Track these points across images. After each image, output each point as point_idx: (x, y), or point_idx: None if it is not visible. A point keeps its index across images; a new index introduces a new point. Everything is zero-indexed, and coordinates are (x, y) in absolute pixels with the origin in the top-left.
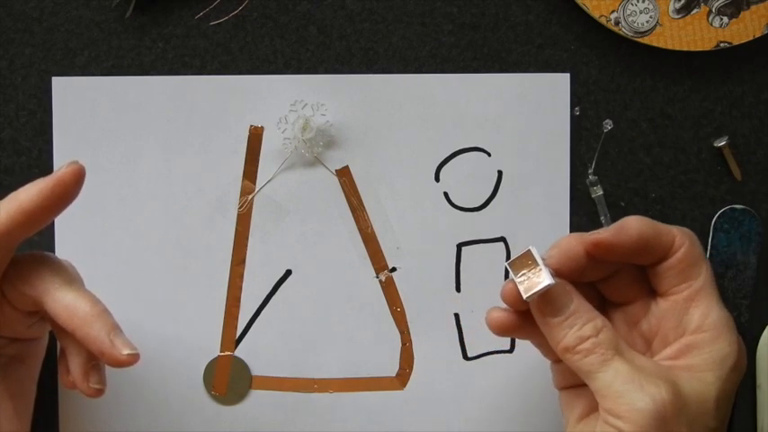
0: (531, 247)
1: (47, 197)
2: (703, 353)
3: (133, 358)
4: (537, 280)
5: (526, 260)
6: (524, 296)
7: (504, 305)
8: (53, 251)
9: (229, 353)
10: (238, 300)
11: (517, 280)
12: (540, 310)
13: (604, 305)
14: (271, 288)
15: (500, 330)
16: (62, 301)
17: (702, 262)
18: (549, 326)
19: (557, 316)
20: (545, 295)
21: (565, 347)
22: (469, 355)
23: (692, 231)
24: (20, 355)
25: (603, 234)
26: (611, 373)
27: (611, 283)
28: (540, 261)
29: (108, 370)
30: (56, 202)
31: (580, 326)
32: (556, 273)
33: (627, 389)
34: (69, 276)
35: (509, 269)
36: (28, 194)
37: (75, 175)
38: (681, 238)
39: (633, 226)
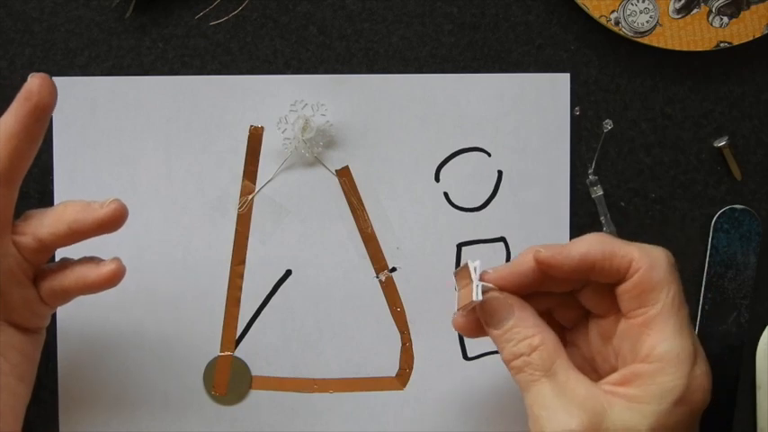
0: (468, 262)
1: (24, 115)
2: (644, 383)
3: (117, 207)
4: (470, 294)
5: (467, 272)
6: (456, 308)
7: None
8: None
9: (229, 353)
10: (238, 300)
11: (457, 291)
12: (483, 320)
13: (588, 315)
14: (271, 288)
15: (463, 332)
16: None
17: (662, 288)
18: (492, 336)
19: (496, 329)
20: (485, 307)
21: (504, 359)
22: (469, 355)
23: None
24: (4, 347)
25: (544, 253)
26: (533, 396)
27: (584, 295)
28: (474, 277)
29: (108, 371)
30: (34, 114)
31: (516, 342)
32: (503, 287)
33: (541, 414)
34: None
35: (453, 279)
36: (5, 123)
37: (40, 81)
38: (639, 261)
39: (578, 247)
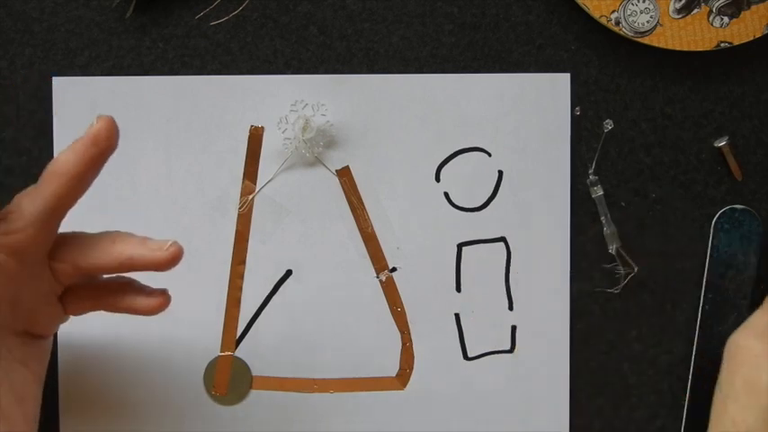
0: None
1: (88, 158)
2: None
3: (178, 250)
4: None
5: None
6: None
7: None
8: None
9: (230, 353)
10: (239, 300)
11: None
12: None
13: None
14: (271, 288)
15: None
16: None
17: None
18: None
19: None
20: None
21: None
22: (469, 355)
23: (693, 232)
24: (27, 357)
25: None
26: None
27: None
28: None
29: (109, 371)
30: (98, 157)
31: None
32: None
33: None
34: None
35: None
36: (66, 162)
37: (107, 126)
38: None
39: None
